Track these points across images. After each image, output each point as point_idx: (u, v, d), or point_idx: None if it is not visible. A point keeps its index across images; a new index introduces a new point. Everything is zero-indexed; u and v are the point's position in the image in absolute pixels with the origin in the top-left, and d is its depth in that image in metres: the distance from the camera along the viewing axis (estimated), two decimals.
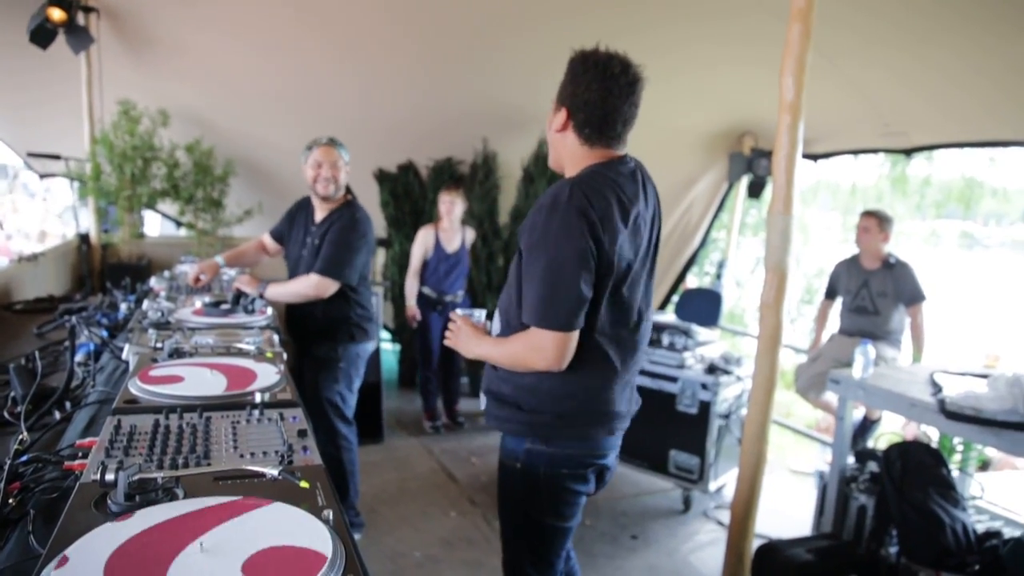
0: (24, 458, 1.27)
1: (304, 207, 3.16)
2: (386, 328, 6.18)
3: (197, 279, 2.93)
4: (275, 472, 1.06)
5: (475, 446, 4.77)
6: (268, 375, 1.63)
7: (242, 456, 1.18)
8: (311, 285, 2.89)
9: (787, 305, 2.58)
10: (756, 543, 2.89)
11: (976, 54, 3.44)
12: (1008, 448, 2.42)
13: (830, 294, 4.51)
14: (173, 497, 1.00)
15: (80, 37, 4.22)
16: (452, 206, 4.65)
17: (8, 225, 11.24)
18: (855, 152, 5.18)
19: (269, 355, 1.85)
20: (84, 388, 1.92)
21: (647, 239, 1.75)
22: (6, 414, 1.75)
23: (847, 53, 3.62)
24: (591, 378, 1.73)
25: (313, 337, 3.03)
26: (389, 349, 6.33)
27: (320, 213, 3.06)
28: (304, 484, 1.05)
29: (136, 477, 0.98)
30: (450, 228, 4.71)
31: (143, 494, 0.98)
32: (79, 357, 2.15)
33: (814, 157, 5.31)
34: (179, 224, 5.53)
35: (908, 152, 4.72)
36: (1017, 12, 3.01)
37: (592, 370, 1.73)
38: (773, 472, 4.83)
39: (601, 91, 1.64)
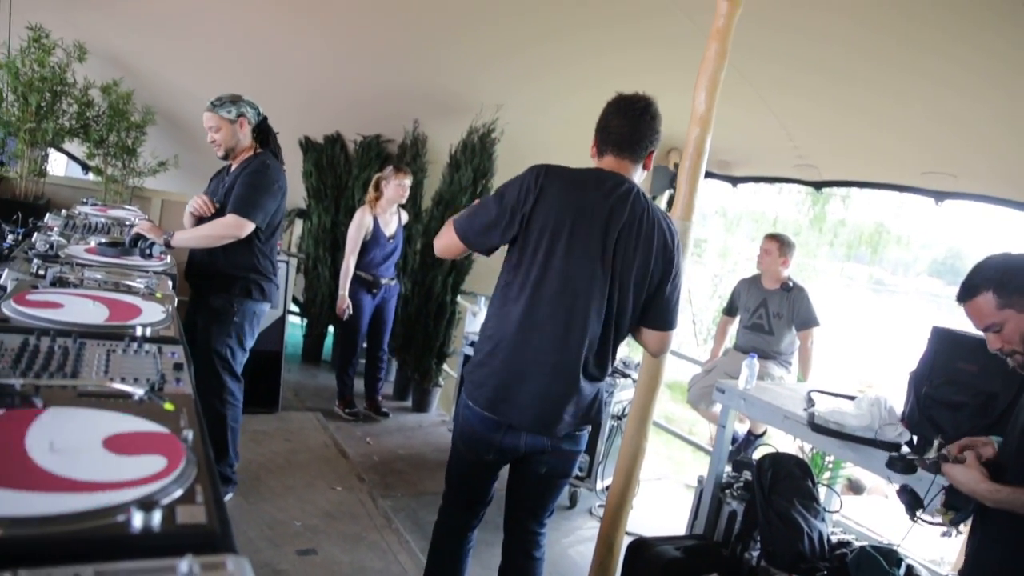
0: None
1: (222, 169, 3.19)
2: (295, 301, 6.07)
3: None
4: (141, 392, 1.06)
5: (372, 427, 4.75)
6: (154, 312, 1.60)
7: (112, 380, 1.16)
8: (226, 224, 2.87)
9: (685, 314, 2.70)
10: (631, 540, 3.00)
11: (884, 99, 3.69)
12: (863, 463, 2.59)
13: (730, 311, 4.71)
14: (31, 406, 0.98)
15: None
16: (405, 190, 4.51)
17: None
18: (770, 180, 5.43)
19: (159, 296, 1.81)
20: None
21: (604, 239, 1.97)
22: None
23: (765, 78, 3.80)
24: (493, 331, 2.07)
25: (209, 287, 2.99)
26: (297, 323, 6.22)
27: (234, 166, 3.08)
28: (169, 406, 1.04)
29: None
30: (386, 211, 4.57)
31: None
32: None
33: (733, 181, 5.55)
34: (86, 168, 5.28)
35: (818, 185, 4.99)
36: (925, 63, 3.24)
37: (496, 326, 2.05)
38: (663, 481, 5.02)
39: (605, 116, 2.08)
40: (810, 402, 3.00)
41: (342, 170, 5.64)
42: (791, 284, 4.35)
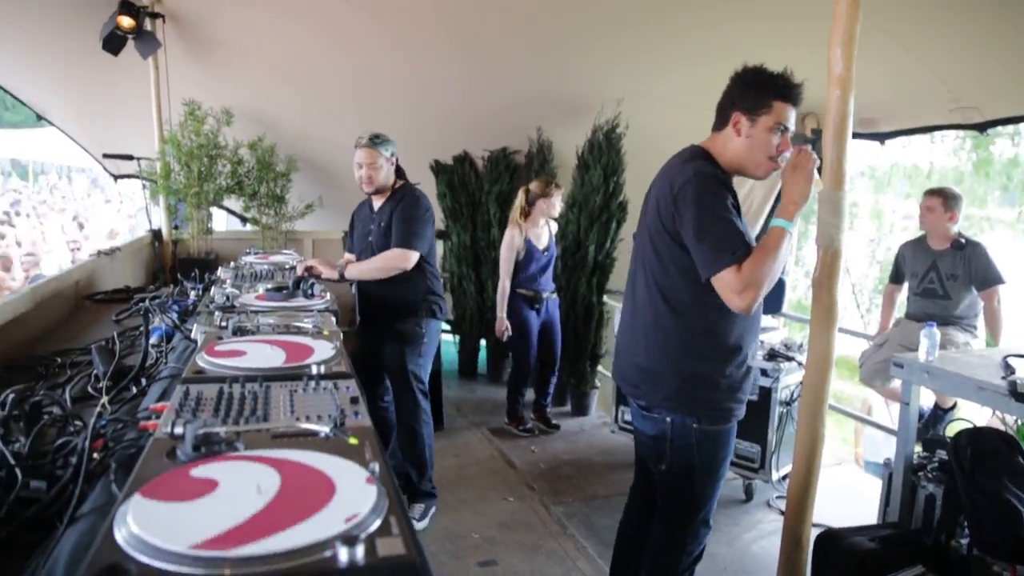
0: (104, 421, 1.39)
1: (362, 205, 3.35)
2: (446, 319, 6.26)
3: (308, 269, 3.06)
4: (327, 430, 1.13)
5: (536, 435, 4.78)
6: (324, 350, 1.70)
7: (298, 419, 1.24)
8: (394, 257, 3.03)
9: (844, 285, 2.53)
10: (819, 532, 2.84)
11: None
12: None
13: (896, 278, 4.37)
14: (234, 450, 1.06)
15: (148, 42, 4.44)
16: (557, 205, 4.53)
17: (88, 226, 11.88)
18: (923, 130, 4.98)
19: (326, 333, 1.92)
20: (158, 366, 2.04)
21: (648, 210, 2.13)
22: (90, 389, 1.92)
23: (906, 24, 3.51)
24: None
25: (395, 315, 3.16)
26: (450, 340, 6.42)
27: (378, 203, 3.22)
28: (353, 440, 1.10)
29: (202, 431, 1.06)
30: (537, 225, 4.53)
31: (207, 446, 1.05)
32: (153, 340, 2.28)
33: (881, 138, 5.15)
34: (244, 220, 5.75)
35: (982, 128, 4.52)
36: None
37: None
38: (843, 466, 4.72)
39: None
40: (1008, 368, 2.71)
41: (474, 187, 5.78)
42: (963, 240, 3.96)
